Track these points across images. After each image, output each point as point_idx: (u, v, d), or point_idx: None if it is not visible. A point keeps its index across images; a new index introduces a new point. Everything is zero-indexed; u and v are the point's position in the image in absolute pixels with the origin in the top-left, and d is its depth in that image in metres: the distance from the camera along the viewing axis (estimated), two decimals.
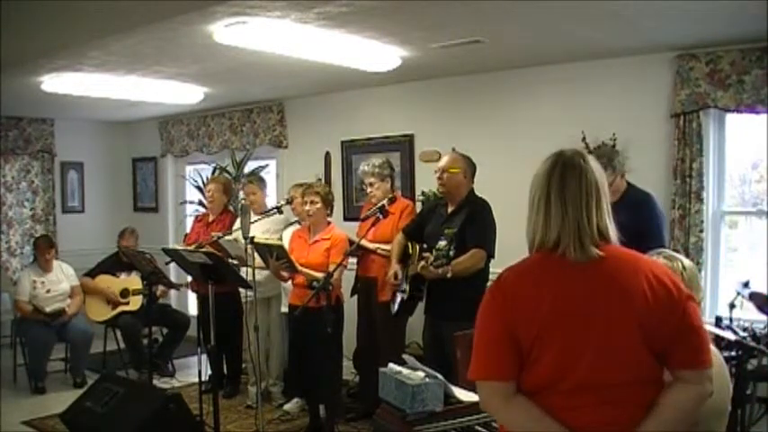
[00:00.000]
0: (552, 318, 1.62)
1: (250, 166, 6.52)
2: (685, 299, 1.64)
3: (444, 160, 3.99)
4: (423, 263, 3.69)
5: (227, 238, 4.80)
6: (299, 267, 4.25)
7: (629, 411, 1.61)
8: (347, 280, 4.64)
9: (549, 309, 1.62)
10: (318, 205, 4.40)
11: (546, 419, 1.60)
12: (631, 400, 1.61)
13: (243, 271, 4.65)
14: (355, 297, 4.81)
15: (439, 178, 3.96)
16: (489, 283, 3.92)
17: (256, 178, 5.43)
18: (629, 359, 1.61)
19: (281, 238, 4.80)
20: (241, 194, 5.84)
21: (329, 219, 4.59)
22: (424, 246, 3.95)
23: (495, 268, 3.95)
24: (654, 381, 1.64)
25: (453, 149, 4.55)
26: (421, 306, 4.07)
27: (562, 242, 1.66)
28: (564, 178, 1.69)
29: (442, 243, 3.62)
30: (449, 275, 3.59)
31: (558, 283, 1.65)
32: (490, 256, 3.82)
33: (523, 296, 1.66)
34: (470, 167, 3.96)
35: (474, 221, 3.81)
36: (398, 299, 4.08)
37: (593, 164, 1.73)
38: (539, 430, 1.60)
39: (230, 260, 4.76)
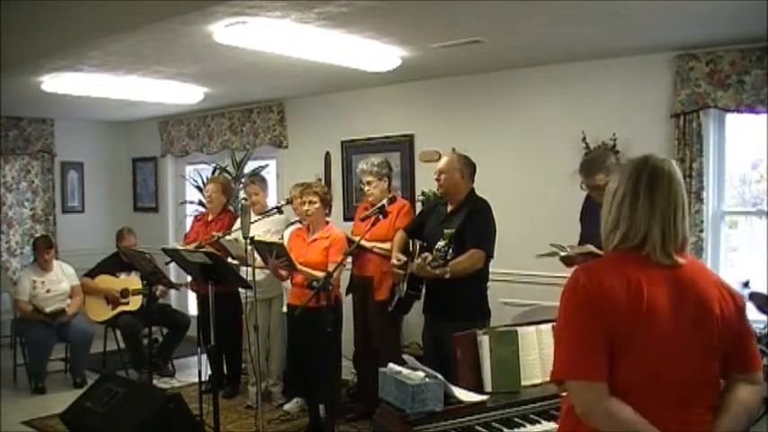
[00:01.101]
0: (644, 317, 1.62)
1: (250, 166, 6.52)
2: (744, 306, 1.74)
3: (442, 162, 3.99)
4: (418, 261, 3.69)
5: (227, 237, 4.80)
6: (299, 266, 4.25)
7: (705, 411, 1.67)
8: (342, 279, 4.64)
9: (641, 307, 1.62)
10: (317, 205, 4.40)
11: (646, 423, 1.59)
12: (706, 401, 1.68)
13: (243, 271, 4.65)
14: (350, 297, 4.82)
15: (437, 179, 3.97)
16: (487, 283, 3.96)
17: (258, 178, 5.42)
18: (705, 362, 1.67)
19: (281, 238, 4.81)
20: (241, 194, 5.84)
21: (327, 218, 4.59)
22: (424, 245, 3.95)
23: (496, 268, 3.96)
24: (718, 382, 1.72)
25: (453, 149, 4.55)
26: (420, 306, 4.07)
27: (649, 242, 1.67)
28: (653, 180, 1.69)
29: (441, 243, 3.62)
30: (447, 276, 3.59)
31: (647, 283, 1.64)
32: (489, 256, 3.82)
33: (616, 293, 1.62)
34: (469, 167, 3.96)
35: (473, 221, 3.81)
36: (396, 296, 4.08)
37: (680, 173, 1.75)
38: None
39: (231, 260, 4.77)
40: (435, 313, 3.94)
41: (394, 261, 4.04)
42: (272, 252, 4.26)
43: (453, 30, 3.80)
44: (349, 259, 4.67)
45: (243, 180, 6.14)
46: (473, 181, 3.98)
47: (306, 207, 4.42)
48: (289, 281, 4.57)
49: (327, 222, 4.56)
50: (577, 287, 1.67)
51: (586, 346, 1.63)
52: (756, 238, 4.26)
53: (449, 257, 3.59)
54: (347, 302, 4.76)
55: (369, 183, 4.64)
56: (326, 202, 4.51)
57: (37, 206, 7.49)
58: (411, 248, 4.10)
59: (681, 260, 1.68)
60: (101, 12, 3.29)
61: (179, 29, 3.62)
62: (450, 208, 3.96)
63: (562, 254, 3.49)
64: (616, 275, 1.65)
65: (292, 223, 5.07)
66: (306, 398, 4.74)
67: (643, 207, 1.67)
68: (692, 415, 1.66)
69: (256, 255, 4.34)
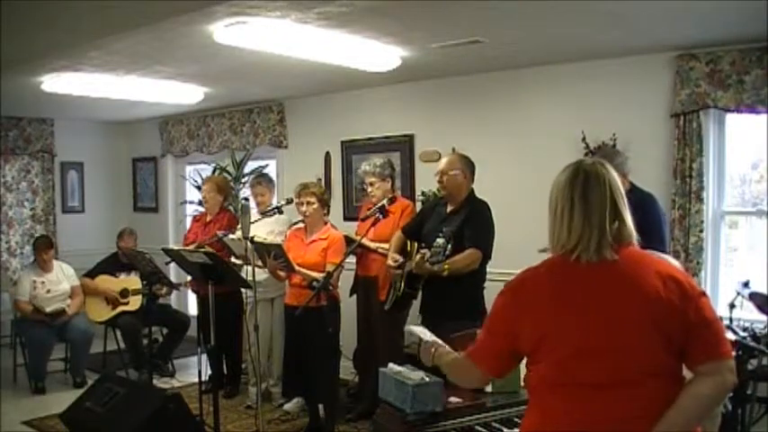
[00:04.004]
0: (561, 318, 1.70)
1: (250, 166, 6.51)
2: (698, 295, 1.68)
3: (444, 162, 3.98)
4: (418, 257, 3.69)
5: (230, 236, 4.79)
6: (297, 267, 4.25)
7: (645, 406, 1.64)
8: (345, 279, 4.63)
9: (558, 309, 1.71)
10: (315, 205, 4.40)
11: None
12: (647, 395, 1.64)
13: (244, 271, 4.64)
14: (355, 297, 4.81)
15: (439, 181, 3.96)
16: (483, 283, 3.95)
17: (266, 179, 5.38)
18: (642, 354, 1.64)
19: (284, 238, 4.80)
20: (241, 194, 5.84)
21: (326, 218, 4.58)
22: (422, 244, 3.95)
23: (494, 268, 3.96)
24: (670, 375, 1.67)
25: (453, 149, 4.55)
26: (417, 306, 4.07)
27: (579, 246, 1.71)
28: (587, 186, 1.74)
29: (441, 240, 3.63)
30: (444, 274, 3.59)
31: (568, 285, 1.73)
32: (486, 257, 3.82)
33: (533, 297, 1.77)
34: (470, 167, 3.96)
35: (472, 222, 3.81)
36: (392, 295, 4.08)
37: (613, 171, 1.79)
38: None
39: (234, 259, 4.76)
40: (432, 312, 3.93)
41: (390, 262, 4.04)
42: (270, 253, 4.26)
43: (453, 30, 3.80)
44: (352, 259, 4.68)
45: (244, 180, 6.14)
46: (473, 181, 3.98)
47: (303, 208, 4.42)
48: (287, 281, 4.57)
49: (326, 223, 4.56)
50: (505, 288, 1.86)
51: (488, 341, 1.88)
52: (756, 238, 4.26)
53: (447, 254, 3.60)
54: (351, 302, 4.76)
55: (371, 184, 4.63)
56: (324, 203, 4.50)
57: (37, 206, 7.49)
58: (409, 248, 4.11)
59: (614, 256, 1.69)
60: (101, 12, 3.29)
61: (179, 29, 3.62)
62: (450, 208, 3.96)
63: None
64: (539, 281, 1.80)
65: (295, 223, 5.06)
66: (305, 398, 4.74)
67: (578, 217, 1.72)
68: (633, 409, 1.63)
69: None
